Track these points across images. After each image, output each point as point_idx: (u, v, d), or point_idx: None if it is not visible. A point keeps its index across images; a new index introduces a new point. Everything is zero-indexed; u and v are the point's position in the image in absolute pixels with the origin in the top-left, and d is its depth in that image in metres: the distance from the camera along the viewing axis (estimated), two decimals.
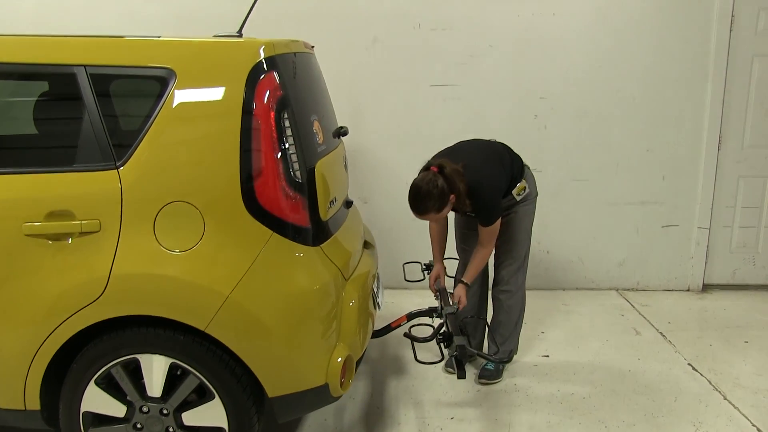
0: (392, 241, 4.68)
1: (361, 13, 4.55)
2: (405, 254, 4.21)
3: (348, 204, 3.20)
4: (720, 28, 4.55)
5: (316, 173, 2.54)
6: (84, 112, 2.33)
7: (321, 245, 2.54)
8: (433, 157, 3.20)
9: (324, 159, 2.70)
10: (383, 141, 4.73)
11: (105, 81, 2.38)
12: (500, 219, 3.21)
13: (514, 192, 3.31)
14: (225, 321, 2.28)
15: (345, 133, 3.27)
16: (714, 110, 4.67)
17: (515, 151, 3.43)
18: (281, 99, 2.38)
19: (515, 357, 3.70)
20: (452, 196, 3.00)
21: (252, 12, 2.89)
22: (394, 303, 4.40)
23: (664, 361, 3.75)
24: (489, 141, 3.45)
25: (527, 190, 3.35)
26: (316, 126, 2.71)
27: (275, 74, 2.39)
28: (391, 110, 4.69)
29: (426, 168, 3.05)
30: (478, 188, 3.07)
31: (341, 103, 4.20)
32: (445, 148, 3.30)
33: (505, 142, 3.45)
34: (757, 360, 3.77)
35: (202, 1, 4.49)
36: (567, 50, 4.62)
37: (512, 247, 3.41)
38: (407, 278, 3.77)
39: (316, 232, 2.51)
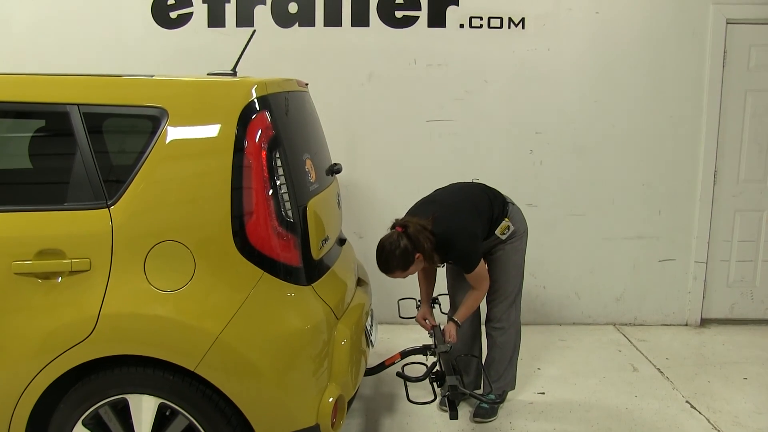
0: (387, 278, 4.65)
1: (356, 49, 4.59)
2: (400, 289, 4.18)
3: (341, 242, 3.20)
4: (713, 63, 4.59)
5: (307, 212, 2.54)
6: (76, 150, 2.34)
7: (313, 284, 2.53)
8: (408, 212, 3.23)
9: (316, 197, 2.71)
10: (379, 176, 4.75)
11: (98, 120, 2.41)
12: (483, 262, 3.22)
13: (498, 232, 3.30)
14: (215, 361, 2.26)
15: (338, 171, 3.28)
16: (709, 145, 4.69)
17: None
18: (273, 138, 2.39)
19: (511, 394, 3.66)
20: (418, 255, 3.02)
21: (247, 49, 2.92)
22: (390, 339, 4.37)
23: (662, 398, 3.71)
24: (466, 184, 3.48)
25: (512, 228, 3.34)
26: (308, 165, 2.72)
27: (267, 114, 2.40)
28: (387, 145, 4.71)
29: (393, 227, 3.08)
30: (450, 239, 3.08)
31: (337, 138, 4.22)
32: (421, 199, 3.33)
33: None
34: (757, 397, 3.72)
35: (199, 39, 4.54)
36: (562, 85, 4.66)
37: (502, 284, 3.40)
38: (402, 315, 3.75)
39: (308, 272, 2.50)
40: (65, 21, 4.52)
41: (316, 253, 2.58)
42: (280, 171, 2.40)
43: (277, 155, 2.40)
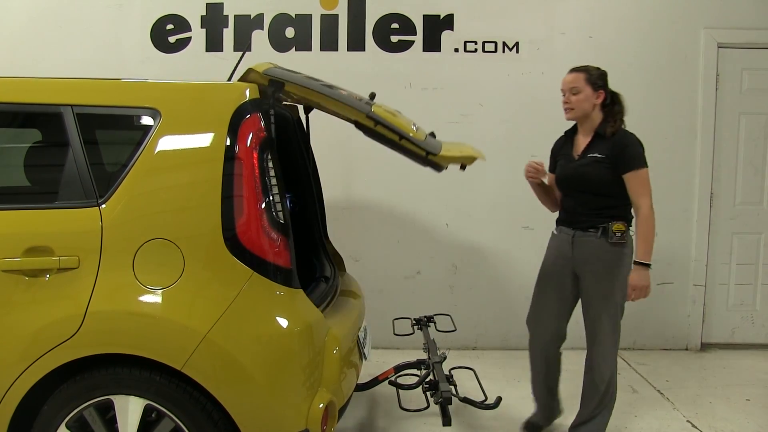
0: (383, 301, 4.61)
1: (352, 73, 4.63)
2: (396, 314, 4.14)
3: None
4: (706, 87, 4.65)
5: None
6: (69, 150, 2.34)
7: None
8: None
9: None
10: (375, 200, 4.75)
11: (91, 120, 2.41)
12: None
13: (614, 228, 2.95)
14: (202, 361, 2.22)
15: None
16: (704, 168, 4.71)
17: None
18: (265, 140, 2.40)
19: (505, 413, 3.54)
20: (602, 92, 3.03)
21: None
22: (385, 362, 4.28)
23: (662, 418, 3.63)
24: None
25: (626, 234, 2.98)
26: None
27: (260, 115, 2.42)
28: (382, 169, 4.72)
29: None
30: (626, 136, 3.01)
31: (333, 162, 4.24)
32: None
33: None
34: (761, 418, 3.65)
35: (197, 63, 4.60)
36: (557, 109, 4.60)
37: (613, 294, 3.15)
38: (396, 332, 3.70)
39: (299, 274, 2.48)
40: (65, 45, 4.59)
41: None
42: (272, 172, 2.40)
43: (269, 156, 2.40)
